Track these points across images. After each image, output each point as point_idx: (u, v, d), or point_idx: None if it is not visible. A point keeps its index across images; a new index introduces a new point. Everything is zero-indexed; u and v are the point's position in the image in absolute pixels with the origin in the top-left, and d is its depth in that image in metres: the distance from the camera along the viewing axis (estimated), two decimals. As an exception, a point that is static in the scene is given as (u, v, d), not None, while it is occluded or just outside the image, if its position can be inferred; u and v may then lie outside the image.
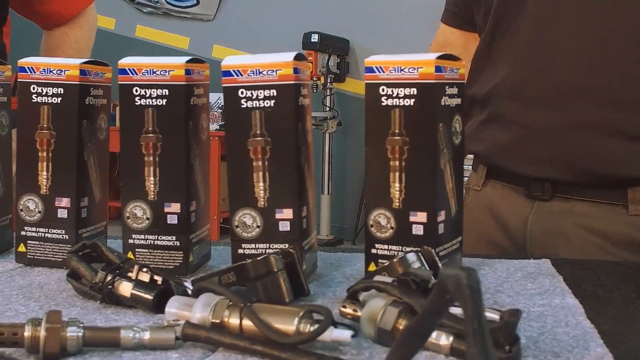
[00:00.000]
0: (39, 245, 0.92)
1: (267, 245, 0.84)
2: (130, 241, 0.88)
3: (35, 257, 0.92)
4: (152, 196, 0.87)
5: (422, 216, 0.82)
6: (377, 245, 0.84)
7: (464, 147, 0.89)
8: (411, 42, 5.25)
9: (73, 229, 0.91)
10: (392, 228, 0.83)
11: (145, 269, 0.74)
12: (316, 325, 0.61)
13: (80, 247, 0.79)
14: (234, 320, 0.63)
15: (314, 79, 5.14)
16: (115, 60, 0.89)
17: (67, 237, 0.91)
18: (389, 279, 0.69)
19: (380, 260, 0.84)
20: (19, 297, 0.79)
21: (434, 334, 0.61)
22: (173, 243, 0.87)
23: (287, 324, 0.61)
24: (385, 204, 0.83)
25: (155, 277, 0.74)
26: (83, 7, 1.74)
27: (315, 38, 5.11)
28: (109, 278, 0.75)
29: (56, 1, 1.69)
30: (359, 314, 0.67)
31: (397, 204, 0.82)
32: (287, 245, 0.83)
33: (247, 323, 0.63)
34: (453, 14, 1.42)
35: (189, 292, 0.74)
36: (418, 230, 0.82)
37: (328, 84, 5.21)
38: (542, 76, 1.17)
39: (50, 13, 1.70)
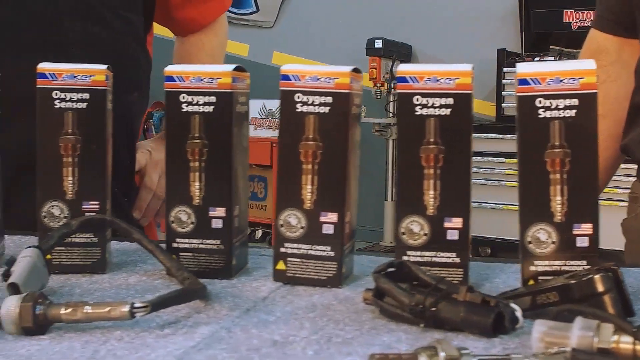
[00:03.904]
0: (301, 263, 0.88)
1: (564, 262, 0.80)
2: (405, 258, 0.84)
3: (296, 275, 0.88)
4: (433, 211, 0.84)
5: None
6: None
7: None
8: (473, 48, 5.21)
9: (339, 245, 0.87)
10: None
11: (473, 290, 0.71)
12: None
13: (385, 266, 0.76)
14: (625, 346, 0.59)
15: (378, 85, 5.10)
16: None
17: (333, 254, 0.87)
18: None
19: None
20: (325, 321, 0.75)
21: None
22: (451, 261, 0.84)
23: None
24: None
25: (487, 299, 0.70)
26: (219, 14, 1.69)
27: (379, 44, 5.07)
28: (430, 300, 0.71)
29: (193, 8, 1.64)
30: None
31: None
32: (585, 262, 0.79)
33: (643, 349, 0.59)
34: (607, 20, 1.38)
35: (517, 314, 0.70)
36: None
37: (392, 90, 5.17)
38: None
39: (187, 20, 1.66)
